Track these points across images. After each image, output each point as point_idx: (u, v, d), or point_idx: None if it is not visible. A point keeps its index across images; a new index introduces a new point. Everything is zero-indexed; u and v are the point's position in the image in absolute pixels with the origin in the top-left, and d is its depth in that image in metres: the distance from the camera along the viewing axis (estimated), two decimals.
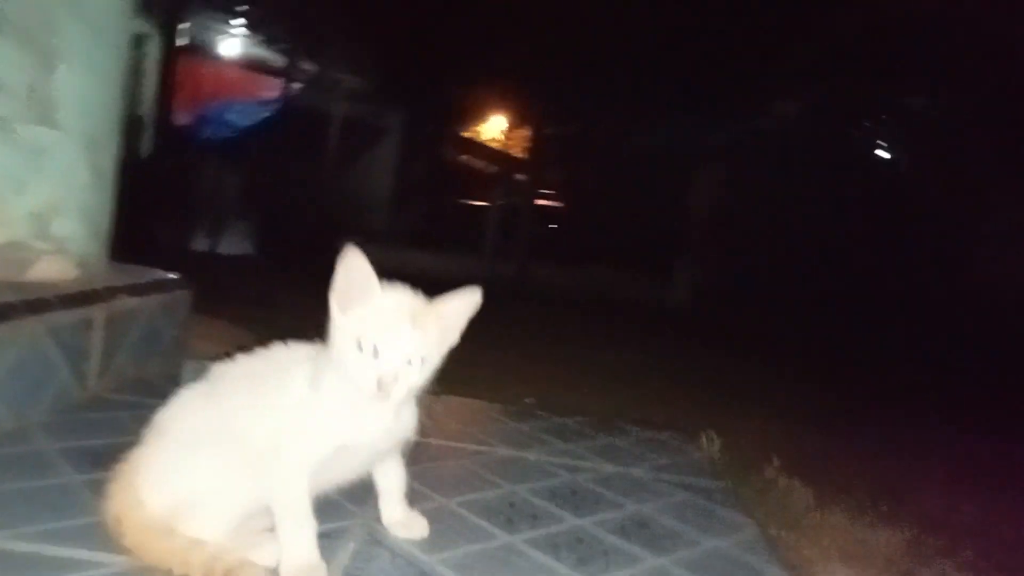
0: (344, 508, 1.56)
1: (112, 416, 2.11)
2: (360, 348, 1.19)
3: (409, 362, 1.21)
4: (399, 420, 1.32)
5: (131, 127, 2.89)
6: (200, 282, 2.99)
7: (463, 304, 1.28)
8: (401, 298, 1.25)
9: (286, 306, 4.10)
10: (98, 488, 1.37)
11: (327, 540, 1.36)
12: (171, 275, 2.93)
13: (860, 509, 2.70)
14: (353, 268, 1.21)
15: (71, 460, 1.72)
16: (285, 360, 1.36)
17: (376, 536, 1.49)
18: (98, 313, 2.29)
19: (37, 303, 2.06)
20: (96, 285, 2.40)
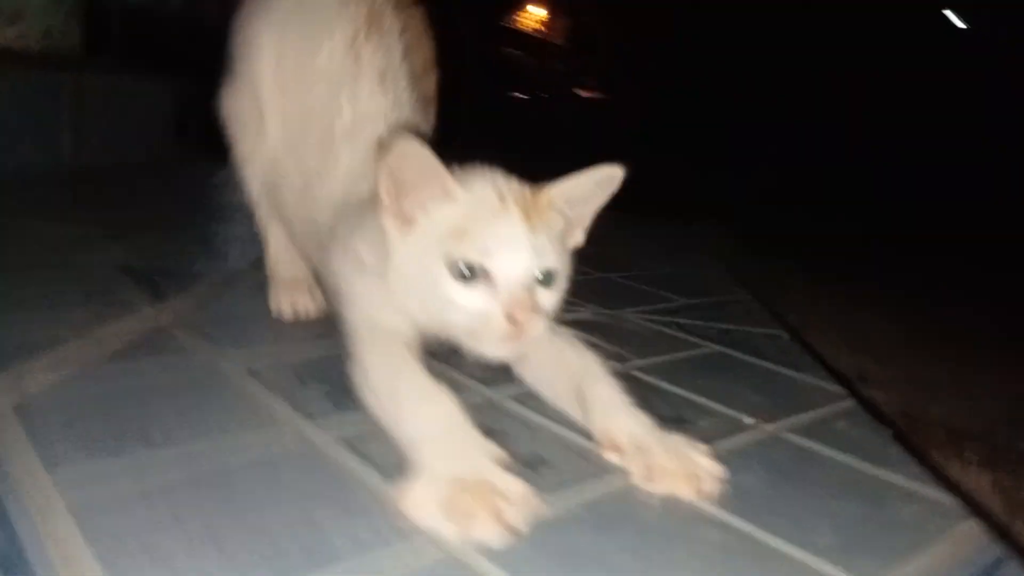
0: None
1: (81, 186, 2.11)
2: (460, 274, 0.74)
3: (538, 277, 0.76)
4: None
5: None
6: None
7: (594, 185, 0.81)
8: (496, 184, 0.78)
9: None
10: None
11: None
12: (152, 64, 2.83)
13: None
14: (409, 164, 0.75)
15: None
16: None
17: None
18: (65, 80, 2.25)
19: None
20: (63, 54, 2.35)
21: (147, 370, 0.82)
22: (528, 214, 0.76)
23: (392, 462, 0.66)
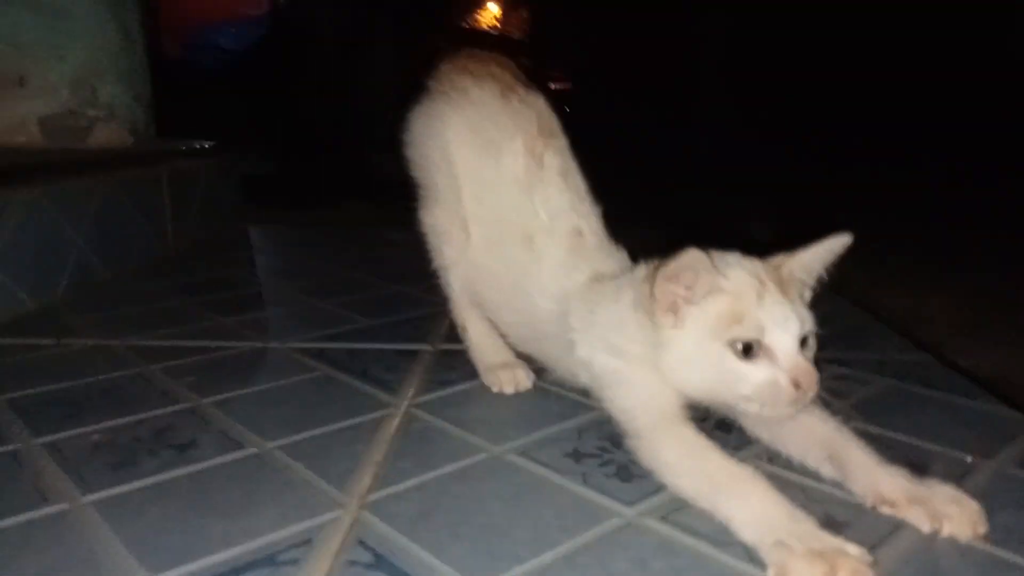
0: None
1: (196, 267, 2.23)
2: (741, 353, 0.85)
3: (803, 342, 0.87)
4: None
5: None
6: None
7: (826, 253, 0.92)
8: (748, 268, 0.90)
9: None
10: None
11: None
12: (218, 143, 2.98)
13: None
14: (690, 271, 0.86)
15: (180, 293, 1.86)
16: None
17: None
18: (163, 172, 2.38)
19: (105, 160, 2.15)
20: (153, 148, 2.48)
21: (458, 470, 0.93)
22: (781, 287, 0.88)
23: (710, 528, 0.78)
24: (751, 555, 0.73)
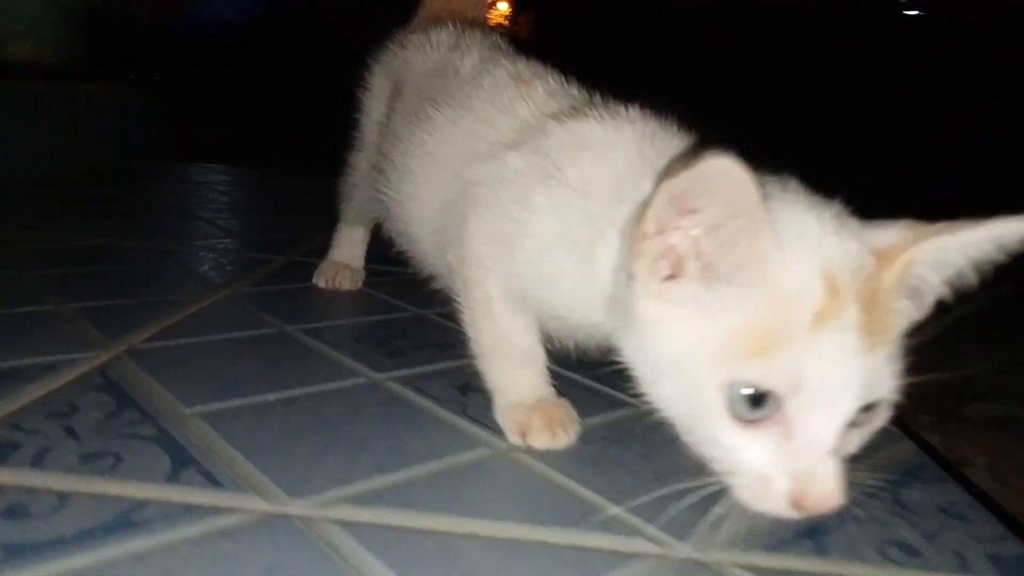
0: None
1: (97, 183, 2.25)
2: (742, 404, 0.51)
3: (853, 424, 0.52)
4: None
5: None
6: None
7: (992, 247, 0.52)
8: (825, 256, 0.51)
9: None
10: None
11: None
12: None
13: None
14: (715, 192, 0.48)
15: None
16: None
17: None
18: (78, 92, 2.40)
19: (15, 71, 2.16)
20: (71, 68, 2.49)
21: (241, 337, 0.97)
22: (870, 313, 0.50)
23: (444, 395, 0.83)
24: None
